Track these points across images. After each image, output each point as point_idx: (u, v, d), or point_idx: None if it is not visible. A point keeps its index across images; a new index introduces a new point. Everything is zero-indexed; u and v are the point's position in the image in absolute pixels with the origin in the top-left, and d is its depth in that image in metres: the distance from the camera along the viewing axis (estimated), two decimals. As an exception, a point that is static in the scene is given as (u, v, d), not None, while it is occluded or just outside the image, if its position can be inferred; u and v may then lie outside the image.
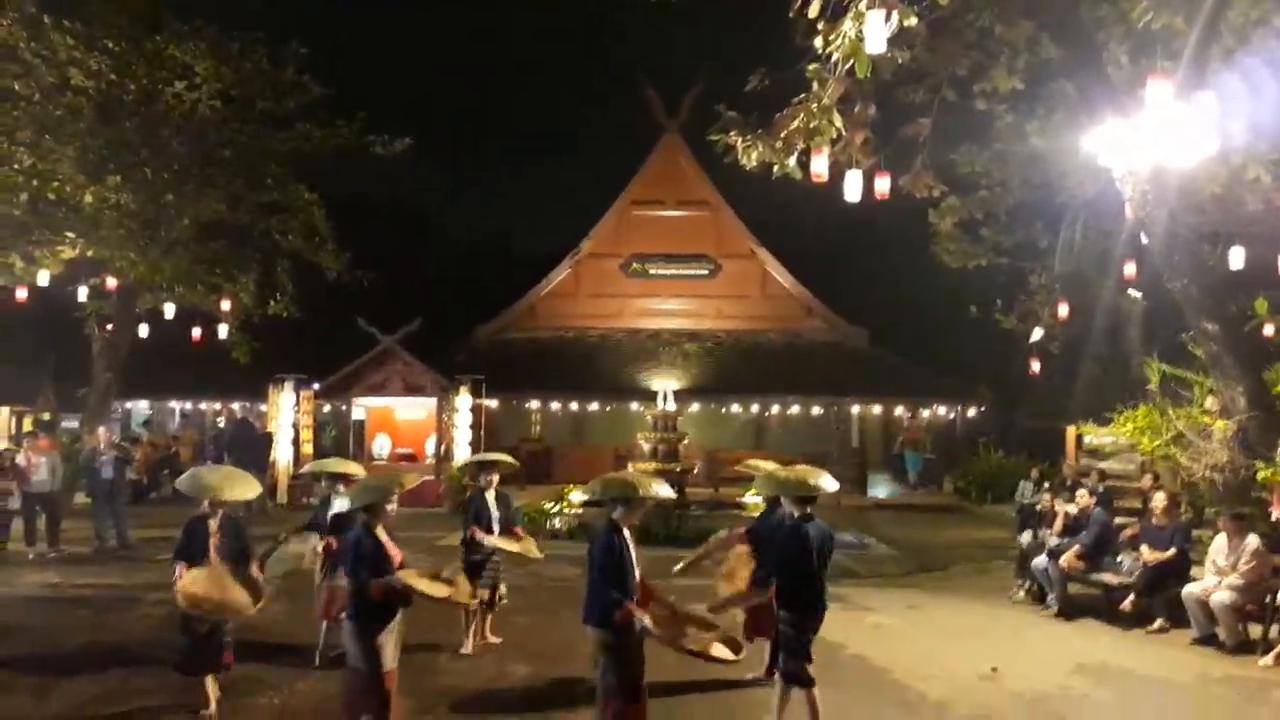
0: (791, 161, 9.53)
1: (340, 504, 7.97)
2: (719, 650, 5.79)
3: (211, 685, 6.56)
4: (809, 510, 6.05)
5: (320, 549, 7.79)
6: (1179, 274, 10.01)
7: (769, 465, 7.77)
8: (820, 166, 9.65)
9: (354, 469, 8.60)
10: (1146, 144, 8.72)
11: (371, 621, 5.52)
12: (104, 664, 7.65)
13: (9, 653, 7.96)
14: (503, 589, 8.54)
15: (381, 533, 5.73)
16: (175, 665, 6.58)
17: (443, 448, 19.64)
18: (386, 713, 5.54)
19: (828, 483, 6.29)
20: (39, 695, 6.87)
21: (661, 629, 5.44)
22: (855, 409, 23.31)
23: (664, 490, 6.00)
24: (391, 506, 5.85)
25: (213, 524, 6.67)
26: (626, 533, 5.55)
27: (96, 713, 6.57)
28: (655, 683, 6.29)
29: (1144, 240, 11.85)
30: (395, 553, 5.76)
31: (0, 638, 8.51)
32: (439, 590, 5.95)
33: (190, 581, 6.33)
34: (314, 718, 6.58)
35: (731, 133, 9.87)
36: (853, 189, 10.42)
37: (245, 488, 6.85)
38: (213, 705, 6.48)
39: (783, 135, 9.72)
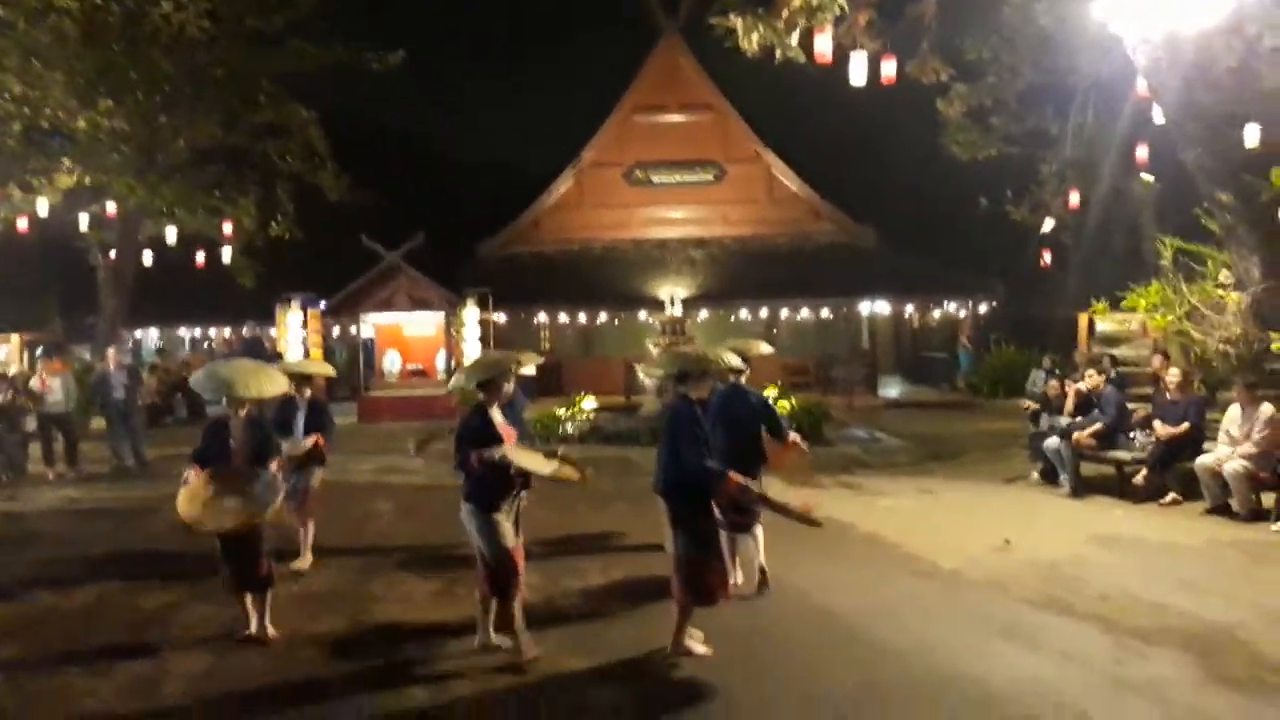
0: (794, 41, 9.28)
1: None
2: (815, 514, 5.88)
3: (249, 603, 5.94)
4: (739, 379, 6.56)
5: (308, 446, 7.50)
6: (1193, 143, 9.78)
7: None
8: (824, 47, 9.41)
9: (324, 369, 8.50)
10: (1160, 6, 8.45)
11: (486, 500, 5.34)
12: (127, 564, 7.80)
13: (34, 556, 8.12)
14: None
15: (496, 413, 5.47)
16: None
17: (453, 362, 19.68)
18: (514, 591, 5.40)
19: (762, 349, 7.25)
20: (64, 591, 7.00)
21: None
22: (865, 310, 23.19)
23: (735, 359, 6.12)
24: (509, 385, 5.59)
25: (234, 425, 5.95)
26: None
27: (120, 605, 6.70)
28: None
29: (1156, 118, 11.58)
30: (508, 432, 5.50)
31: (24, 544, 8.68)
32: (544, 466, 5.58)
33: (184, 497, 5.67)
34: (331, 600, 6.69)
35: (731, 15, 9.60)
36: (857, 72, 10.17)
37: (267, 382, 6.09)
38: (252, 625, 5.89)
39: (784, 15, 9.46)
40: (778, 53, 10.05)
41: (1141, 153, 14.48)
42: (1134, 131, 14.65)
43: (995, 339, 22.88)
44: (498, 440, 5.36)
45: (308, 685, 5.12)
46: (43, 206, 16.68)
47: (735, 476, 5.29)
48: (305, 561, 7.41)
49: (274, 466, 6.02)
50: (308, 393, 7.73)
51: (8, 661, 5.55)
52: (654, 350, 17.37)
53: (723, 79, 24.26)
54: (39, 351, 18.08)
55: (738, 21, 9.50)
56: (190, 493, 5.70)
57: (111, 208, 17.98)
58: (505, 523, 5.39)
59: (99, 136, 16.90)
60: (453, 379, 5.83)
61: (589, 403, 15.66)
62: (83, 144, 16.98)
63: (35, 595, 6.94)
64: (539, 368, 22.75)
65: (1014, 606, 6.28)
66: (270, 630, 5.89)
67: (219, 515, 5.63)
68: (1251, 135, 11.61)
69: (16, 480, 11.59)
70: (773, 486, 6.27)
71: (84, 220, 18.06)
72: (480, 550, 5.42)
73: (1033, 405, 11.90)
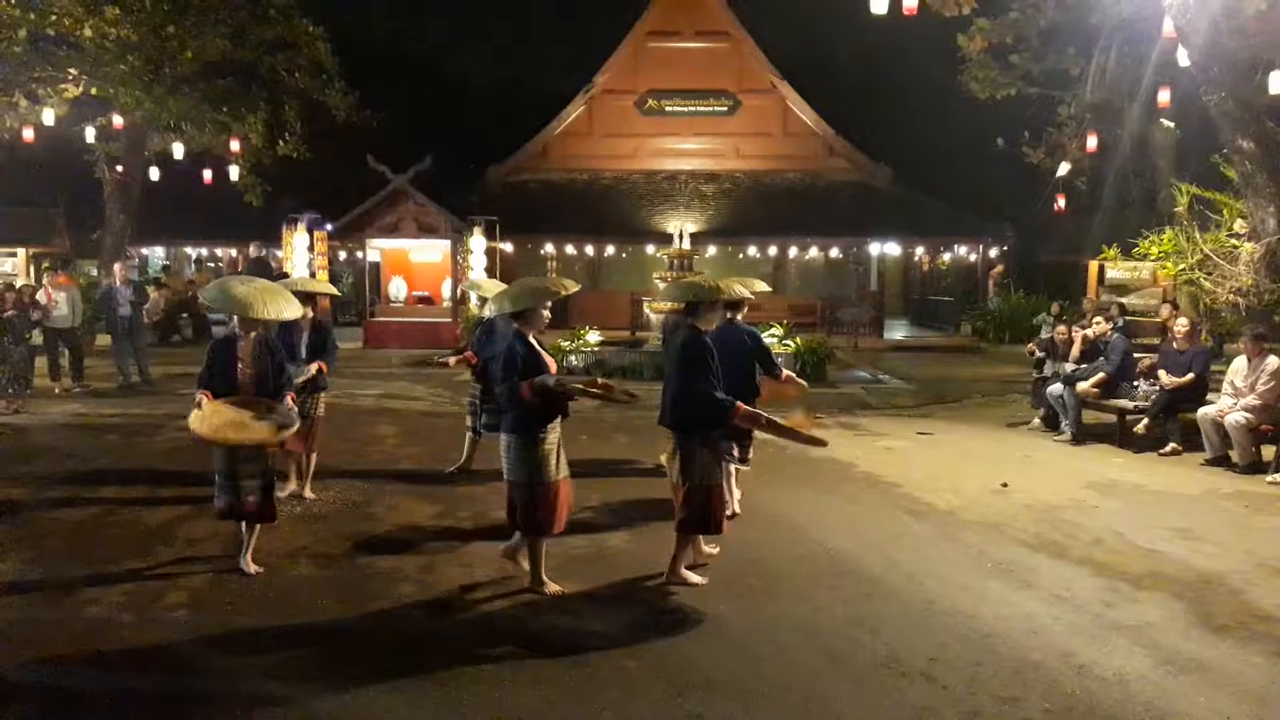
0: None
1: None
2: (816, 433, 5.91)
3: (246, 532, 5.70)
4: (735, 316, 6.60)
5: (311, 373, 7.14)
6: (1217, 87, 9.58)
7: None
8: (844, -26, 9.17)
9: (328, 289, 8.34)
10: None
11: (532, 431, 5.16)
12: (131, 478, 7.89)
13: (40, 470, 8.20)
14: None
15: (533, 340, 5.29)
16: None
17: (459, 290, 19.64)
18: (550, 528, 5.29)
19: (757, 286, 7.22)
20: (69, 504, 7.08)
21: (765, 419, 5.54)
22: (875, 250, 23.00)
23: (743, 290, 5.95)
24: (546, 313, 5.37)
25: (243, 346, 5.60)
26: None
27: (124, 517, 6.77)
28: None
29: (1181, 60, 11.33)
30: (549, 361, 5.32)
31: (30, 457, 8.76)
32: (596, 388, 5.55)
33: (198, 420, 5.34)
34: (333, 520, 6.76)
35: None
36: (879, 1, 9.96)
37: (284, 304, 5.65)
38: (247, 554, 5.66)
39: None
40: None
41: (1163, 97, 14.21)
42: (1157, 75, 14.36)
43: (1005, 282, 22.76)
44: (545, 367, 5.21)
45: (307, 604, 5.19)
46: (49, 117, 16.53)
47: (743, 407, 5.31)
48: (307, 491, 7.29)
49: (289, 399, 5.78)
50: (310, 313, 7.34)
51: (12, 572, 5.63)
52: (661, 285, 17.31)
53: (740, 6, 23.76)
54: (45, 265, 18.08)
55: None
56: (203, 414, 5.38)
57: (119, 120, 17.82)
58: (553, 455, 5.22)
59: (106, 45, 16.65)
60: (490, 302, 5.50)
61: (594, 335, 15.64)
62: (89, 53, 16.75)
63: (40, 507, 7.01)
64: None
65: (1008, 547, 6.33)
66: (251, 566, 5.60)
67: (242, 429, 5.40)
68: (1276, 82, 11.39)
69: (22, 394, 11.66)
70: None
71: (91, 133, 17.92)
72: (517, 483, 5.25)
73: (1037, 351, 11.86)
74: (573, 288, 5.69)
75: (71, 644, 4.60)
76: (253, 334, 5.64)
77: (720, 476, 5.51)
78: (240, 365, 5.58)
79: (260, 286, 5.76)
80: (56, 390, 12.68)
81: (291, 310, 5.75)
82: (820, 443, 5.74)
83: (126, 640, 4.67)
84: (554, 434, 5.27)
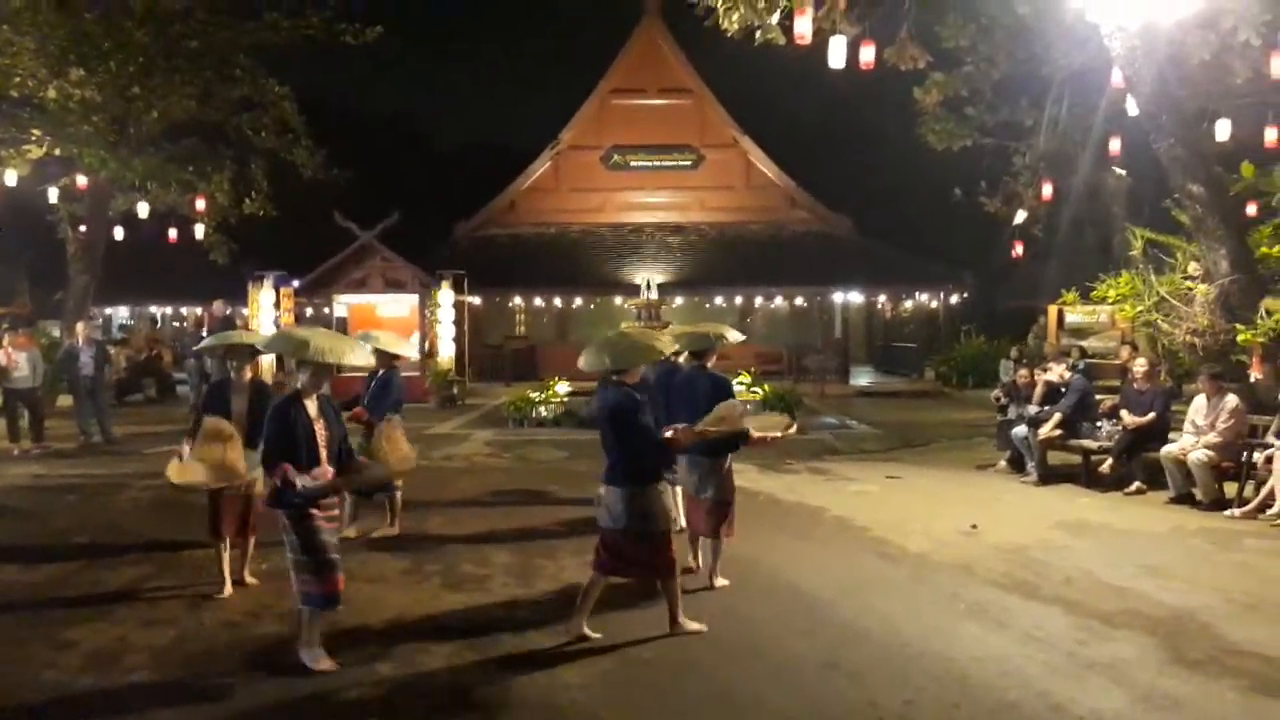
0: (774, 20, 9.26)
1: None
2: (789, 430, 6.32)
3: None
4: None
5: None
6: (1166, 134, 9.85)
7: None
8: (803, 28, 9.38)
9: (259, 340, 8.20)
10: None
11: (658, 480, 5.29)
12: (92, 540, 7.70)
13: (-4, 532, 8.00)
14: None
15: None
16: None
17: (427, 345, 19.58)
18: (674, 579, 5.37)
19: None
20: (27, 565, 6.91)
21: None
22: (839, 299, 23.27)
23: (735, 335, 6.70)
24: (642, 369, 5.47)
25: (311, 407, 4.86)
26: None
27: (84, 579, 6.61)
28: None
29: (1130, 109, 11.68)
30: None
31: (-13, 520, 8.55)
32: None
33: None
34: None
35: (713, -8, 9.56)
36: (836, 56, 10.18)
37: (362, 350, 5.24)
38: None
39: (765, -6, 9.43)
40: (757, 34, 10.02)
41: (1115, 145, 14.59)
42: (1107, 124, 14.76)
43: (966, 330, 23.05)
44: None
45: (272, 660, 5.08)
46: (11, 178, 16.39)
47: (755, 434, 5.88)
48: (247, 576, 6.46)
49: (360, 463, 5.34)
50: (248, 374, 6.52)
51: (-32, 633, 5.48)
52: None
53: (702, 64, 24.24)
54: (5, 325, 17.81)
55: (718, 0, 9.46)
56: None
57: (82, 180, 17.71)
58: (670, 505, 5.65)
59: (70, 107, 16.61)
60: (585, 356, 5.41)
61: (563, 387, 15.62)
62: (53, 114, 16.69)
63: (-4, 569, 6.84)
64: (516, 351, 22.86)
65: (980, 588, 6.35)
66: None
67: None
68: (1223, 130, 11.75)
69: (-21, 455, 11.43)
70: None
71: (54, 193, 17.78)
72: (645, 532, 5.23)
73: (1002, 398, 11.97)
74: (670, 347, 5.93)
75: (28, 708, 4.47)
76: (322, 390, 4.95)
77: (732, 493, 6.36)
78: (317, 429, 4.85)
79: (331, 334, 5.28)
80: (15, 452, 12.42)
81: (362, 356, 5.27)
82: (790, 421, 6.36)
83: (84, 703, 4.54)
84: (663, 483, 5.52)
